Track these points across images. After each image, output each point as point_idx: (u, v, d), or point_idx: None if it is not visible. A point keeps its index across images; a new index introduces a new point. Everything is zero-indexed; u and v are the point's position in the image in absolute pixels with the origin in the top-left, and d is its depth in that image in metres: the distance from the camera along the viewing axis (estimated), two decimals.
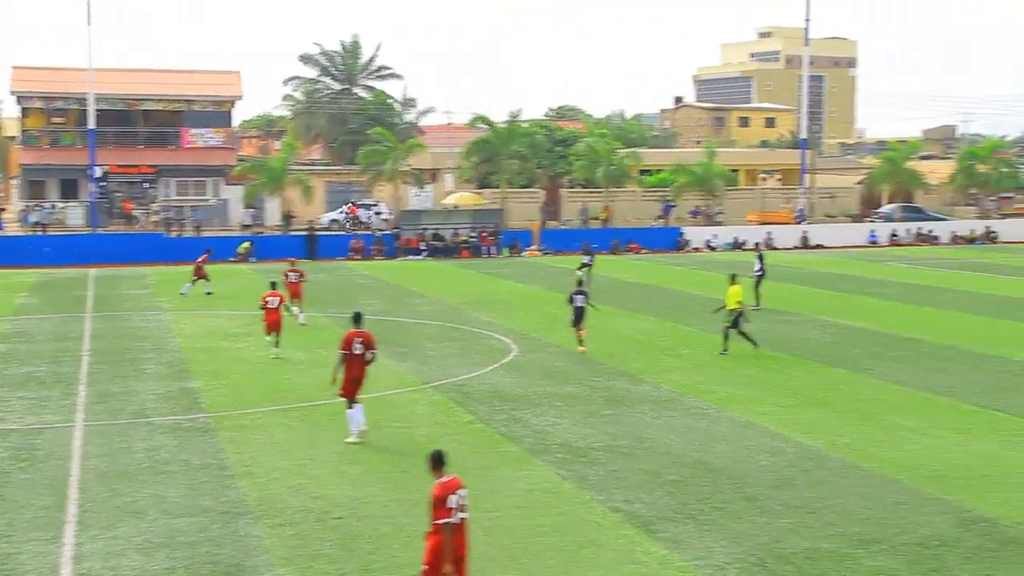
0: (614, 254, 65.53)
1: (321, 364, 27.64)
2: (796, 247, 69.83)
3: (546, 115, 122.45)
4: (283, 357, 28.73)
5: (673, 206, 76.98)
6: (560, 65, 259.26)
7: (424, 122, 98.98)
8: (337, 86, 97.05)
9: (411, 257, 63.45)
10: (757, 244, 64.17)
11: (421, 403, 23.59)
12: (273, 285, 30.85)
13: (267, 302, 29.37)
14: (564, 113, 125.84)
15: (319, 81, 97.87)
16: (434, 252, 64.23)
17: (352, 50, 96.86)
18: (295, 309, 34.53)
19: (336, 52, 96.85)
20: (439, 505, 11.56)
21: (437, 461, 12.13)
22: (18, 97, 78.82)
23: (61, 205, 74.82)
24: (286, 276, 35.50)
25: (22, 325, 35.86)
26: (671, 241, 69.79)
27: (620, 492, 17.06)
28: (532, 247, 65.82)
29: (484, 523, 15.09)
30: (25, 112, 79.33)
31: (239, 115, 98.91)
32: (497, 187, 76.65)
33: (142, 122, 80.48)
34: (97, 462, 18.78)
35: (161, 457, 19.11)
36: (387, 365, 28.01)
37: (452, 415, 22.41)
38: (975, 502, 16.45)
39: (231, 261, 59.03)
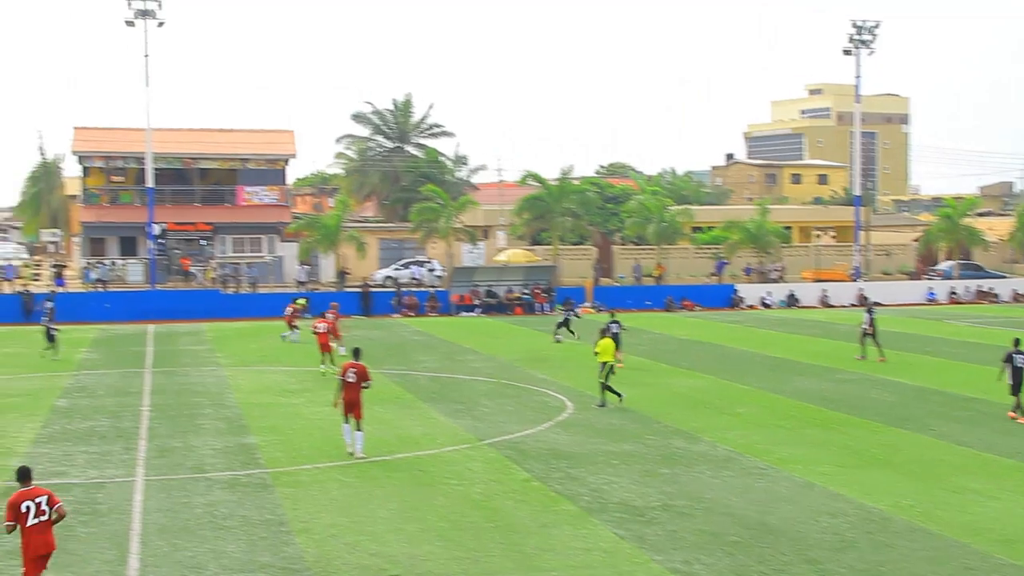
0: (668, 311, 65.37)
1: (376, 421, 27.73)
2: (852, 304, 69.25)
3: (597, 172, 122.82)
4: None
5: (726, 263, 76.74)
6: (611, 122, 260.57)
7: (476, 179, 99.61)
8: (389, 144, 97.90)
9: (465, 314, 63.63)
10: (866, 299, 61.75)
11: (477, 460, 23.55)
12: (318, 312, 34.56)
13: (316, 328, 37.37)
14: (615, 170, 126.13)
15: (372, 139, 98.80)
16: (487, 309, 64.39)
17: (404, 108, 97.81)
18: (340, 348, 39.12)
19: (388, 110, 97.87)
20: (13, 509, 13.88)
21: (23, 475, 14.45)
22: (80, 157, 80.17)
23: (121, 262, 75.87)
24: (323, 316, 39.81)
25: (84, 380, 36.26)
26: (725, 298, 69.51)
27: (679, 553, 16.90)
28: (585, 304, 65.77)
29: None
30: (86, 171, 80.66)
31: (293, 173, 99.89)
32: (549, 244, 76.84)
33: (199, 180, 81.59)
34: (158, 516, 18.90)
35: (220, 512, 19.20)
36: (442, 422, 28.08)
37: (508, 473, 22.34)
38: None
39: (285, 318, 59.25)
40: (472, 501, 19.94)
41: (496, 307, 64.74)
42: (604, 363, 30.20)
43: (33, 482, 14.38)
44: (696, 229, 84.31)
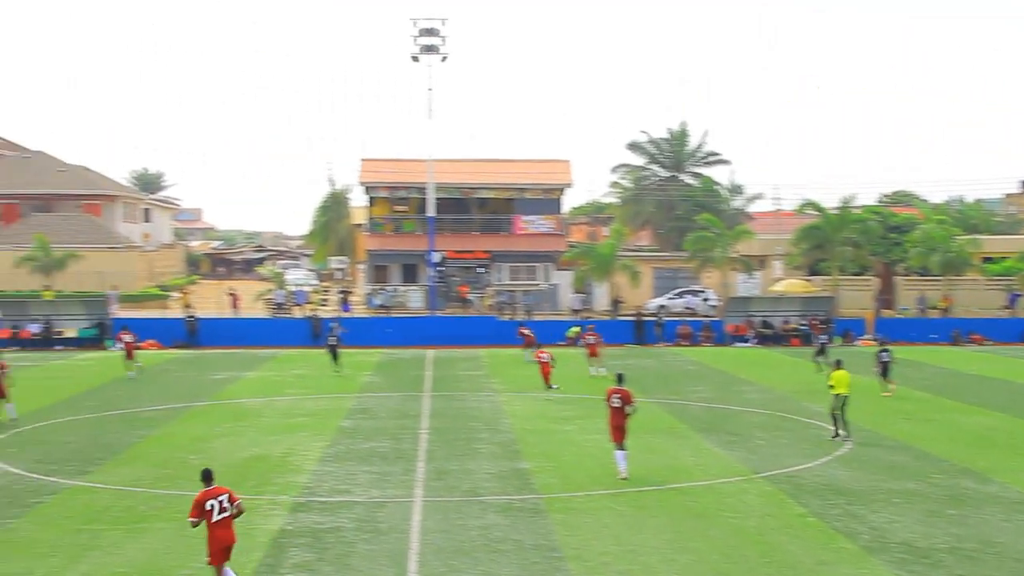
0: (954, 345, 62.50)
1: (650, 450, 27.65)
2: None
3: (879, 201, 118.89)
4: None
5: (1020, 296, 72.75)
6: (893, 150, 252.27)
7: (752, 208, 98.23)
8: (664, 173, 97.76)
9: (739, 344, 62.73)
10: None
11: (751, 493, 23.09)
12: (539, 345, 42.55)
13: (540, 356, 40.97)
14: (899, 199, 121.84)
15: (647, 168, 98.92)
16: (763, 339, 63.28)
17: (679, 137, 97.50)
18: (600, 368, 44.09)
19: (663, 139, 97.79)
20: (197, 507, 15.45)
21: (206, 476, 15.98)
22: (366, 187, 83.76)
23: (403, 288, 78.68)
24: (584, 338, 45.20)
25: (366, 402, 37.69)
26: (1018, 333, 65.81)
27: None
28: (866, 336, 63.66)
29: None
30: (372, 201, 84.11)
31: (569, 202, 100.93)
32: (828, 274, 74.87)
33: (477, 209, 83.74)
34: (435, 537, 19.37)
35: (494, 536, 19.50)
36: (716, 453, 27.71)
37: (784, 507, 21.80)
38: None
39: (561, 345, 60.05)
40: (746, 535, 19.56)
41: (772, 338, 63.54)
42: (838, 395, 29.41)
43: (213, 482, 15.93)
44: (987, 259, 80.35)
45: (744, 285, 77.24)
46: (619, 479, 23.98)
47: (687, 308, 71.88)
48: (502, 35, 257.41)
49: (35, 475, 24.81)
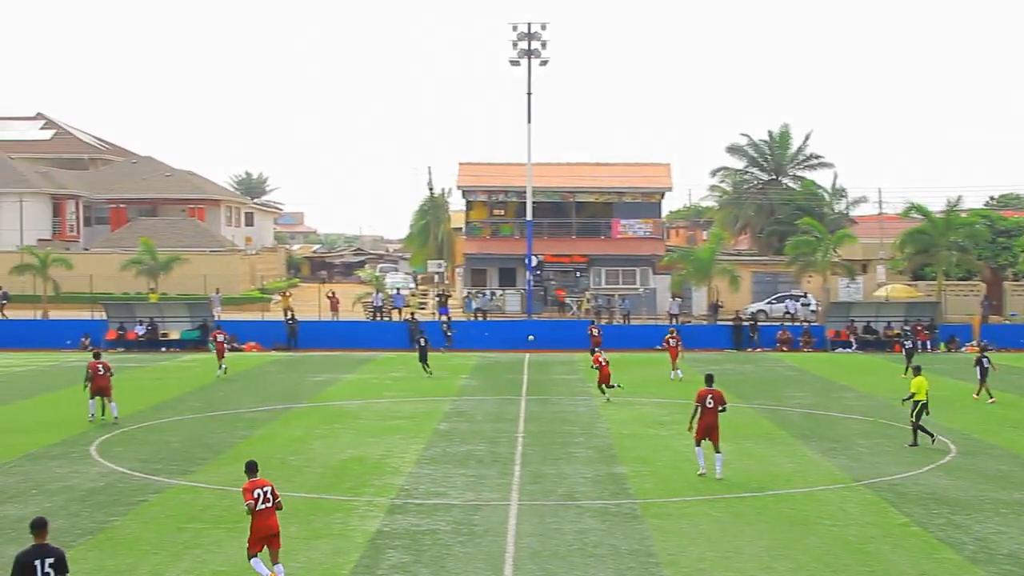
0: None
1: (748, 456, 27.39)
2: None
3: (987, 204, 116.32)
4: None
5: None
6: (1002, 152, 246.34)
7: (855, 212, 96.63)
8: (765, 176, 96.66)
9: (840, 350, 61.81)
10: None
11: (852, 501, 22.70)
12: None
13: (599, 361, 39.36)
14: (1008, 202, 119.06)
15: (747, 172, 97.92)
16: (864, 345, 62.25)
17: (781, 140, 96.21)
18: (678, 372, 45.21)
19: (764, 142, 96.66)
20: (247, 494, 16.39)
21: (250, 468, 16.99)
22: (463, 191, 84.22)
23: (500, 292, 78.91)
24: (667, 343, 46.44)
25: (463, 405, 37.84)
26: None
27: None
28: (972, 342, 62.28)
29: None
30: (470, 205, 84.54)
31: (668, 206, 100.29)
32: (932, 279, 73.41)
33: (575, 213, 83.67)
34: (530, 541, 19.35)
35: (590, 540, 19.43)
36: (815, 459, 27.33)
37: (885, 516, 21.39)
38: None
39: (657, 349, 59.76)
40: (846, 543, 19.24)
41: (874, 343, 62.49)
42: (917, 402, 28.90)
43: (258, 473, 16.99)
44: None
45: (846, 290, 76.08)
46: (699, 475, 24.61)
47: (787, 313, 71.00)
48: (600, 38, 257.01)
49: (139, 474, 25.32)
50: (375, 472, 25.70)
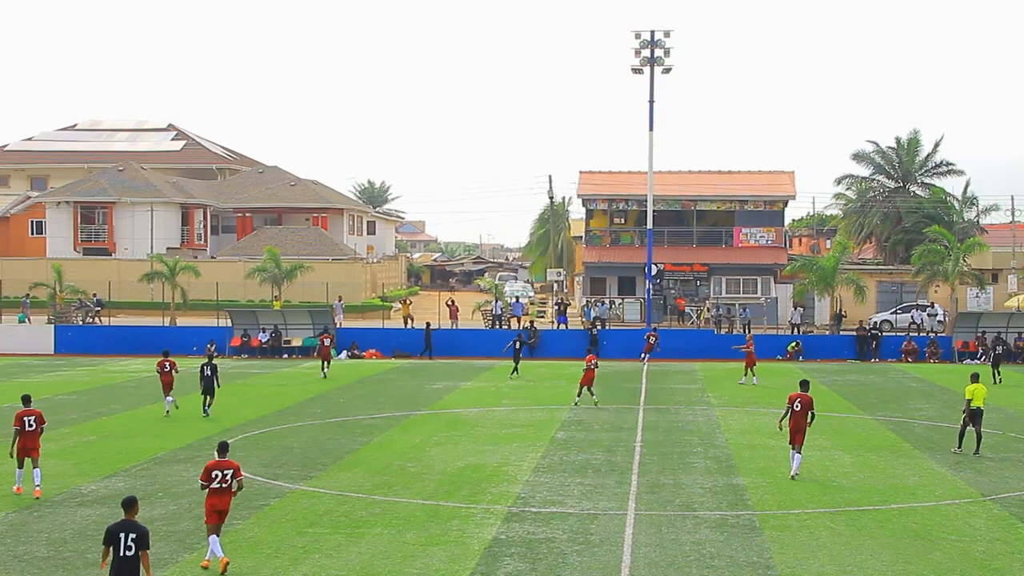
0: None
1: (870, 469, 26.90)
2: None
3: None
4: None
5: None
6: None
7: (986, 220, 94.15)
8: (891, 184, 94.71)
9: (968, 361, 60.18)
10: None
11: (979, 516, 22.10)
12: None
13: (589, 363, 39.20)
14: None
15: (873, 179, 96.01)
16: (996, 360, 60.47)
17: (910, 147, 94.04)
18: (753, 378, 46.26)
19: (891, 148, 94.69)
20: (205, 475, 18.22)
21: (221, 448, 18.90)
22: (583, 200, 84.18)
23: (619, 301, 78.63)
24: (745, 348, 47.07)
25: (580, 414, 37.75)
26: None
27: None
28: None
29: None
30: (590, 213, 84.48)
31: (791, 214, 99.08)
32: None
33: (695, 222, 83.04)
34: (647, 551, 19.23)
35: (707, 551, 19.23)
36: (940, 473, 26.70)
37: (1014, 532, 20.78)
38: None
39: (780, 359, 59.14)
40: (973, 559, 18.73)
41: (1005, 355, 60.72)
42: (974, 408, 29.04)
43: (226, 455, 18.73)
44: None
45: (974, 300, 74.15)
46: (790, 478, 25.50)
47: (912, 323, 69.41)
48: (723, 44, 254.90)
49: (261, 478, 25.79)
50: (492, 480, 25.79)
